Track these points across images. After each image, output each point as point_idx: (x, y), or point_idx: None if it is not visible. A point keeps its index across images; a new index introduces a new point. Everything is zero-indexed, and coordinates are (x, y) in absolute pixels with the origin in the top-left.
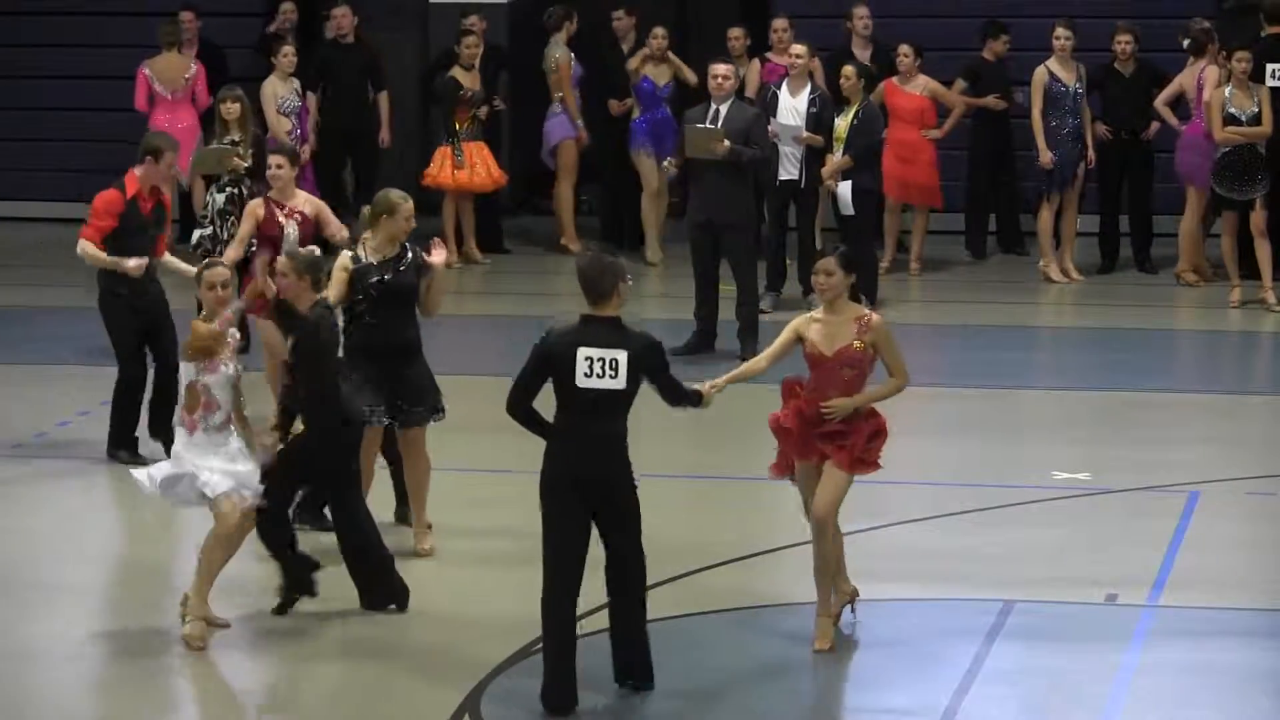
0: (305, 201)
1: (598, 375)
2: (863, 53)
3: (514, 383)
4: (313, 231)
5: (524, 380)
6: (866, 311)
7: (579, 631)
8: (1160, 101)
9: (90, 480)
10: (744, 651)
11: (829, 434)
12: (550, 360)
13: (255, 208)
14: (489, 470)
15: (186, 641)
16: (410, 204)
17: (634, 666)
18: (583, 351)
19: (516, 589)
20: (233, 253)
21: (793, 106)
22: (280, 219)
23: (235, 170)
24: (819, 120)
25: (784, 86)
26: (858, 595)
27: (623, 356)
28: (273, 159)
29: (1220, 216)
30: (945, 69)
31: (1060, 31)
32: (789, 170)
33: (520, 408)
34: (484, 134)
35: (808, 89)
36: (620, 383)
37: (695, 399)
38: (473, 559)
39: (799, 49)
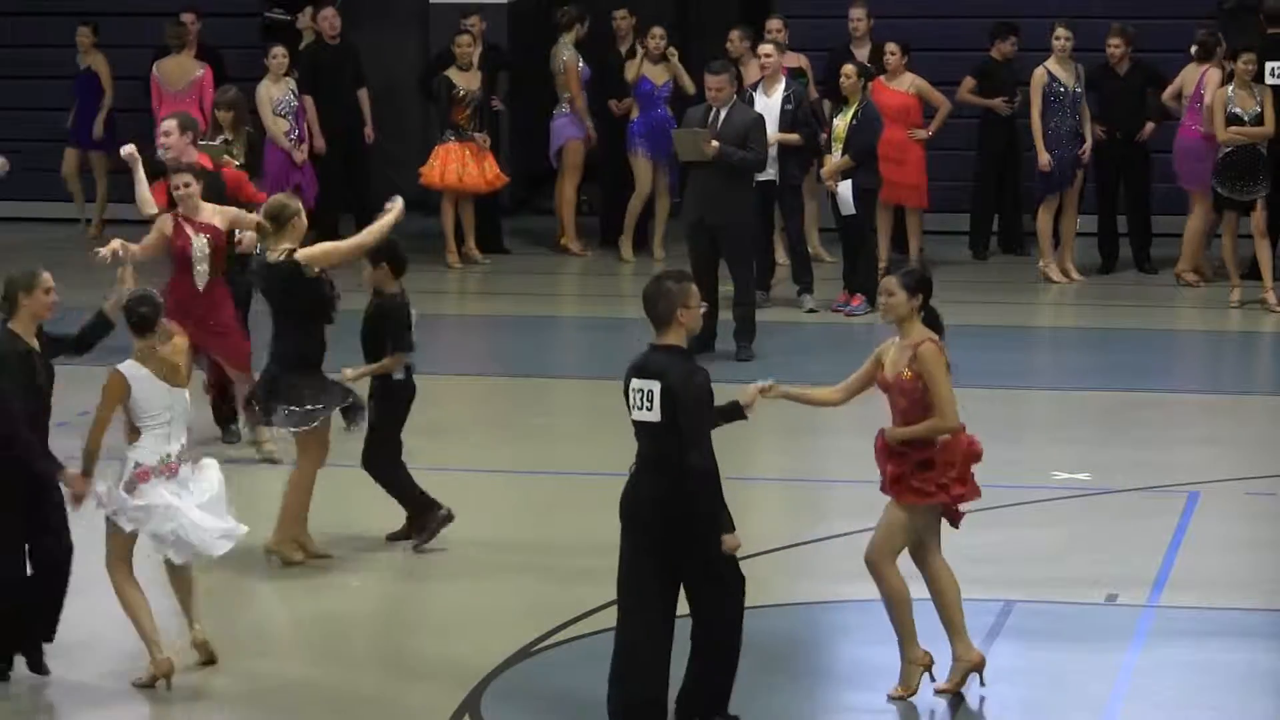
0: (215, 214)
1: (639, 408)
2: (860, 52)
3: None
4: (225, 242)
5: None
6: (925, 337)
7: (579, 631)
8: (1167, 96)
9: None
10: (743, 652)
11: (893, 454)
12: (624, 390)
13: (163, 223)
14: (487, 470)
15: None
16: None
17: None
18: (634, 384)
19: (516, 589)
20: (136, 251)
21: (767, 107)
22: (189, 232)
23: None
24: (794, 118)
25: (759, 87)
26: (933, 663)
27: (657, 388)
28: (179, 178)
29: (1222, 216)
30: (946, 69)
31: (1060, 32)
32: (765, 171)
33: None
34: (479, 129)
35: (781, 87)
36: (655, 415)
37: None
38: (472, 559)
39: (766, 49)
